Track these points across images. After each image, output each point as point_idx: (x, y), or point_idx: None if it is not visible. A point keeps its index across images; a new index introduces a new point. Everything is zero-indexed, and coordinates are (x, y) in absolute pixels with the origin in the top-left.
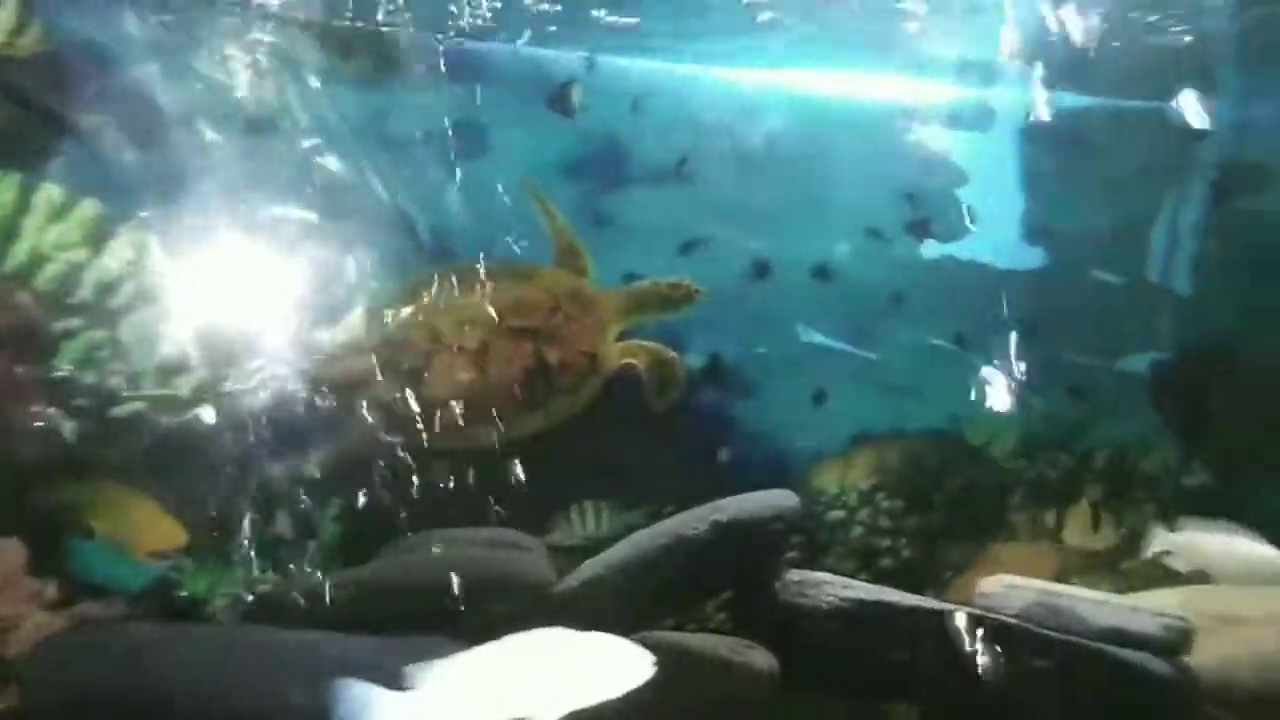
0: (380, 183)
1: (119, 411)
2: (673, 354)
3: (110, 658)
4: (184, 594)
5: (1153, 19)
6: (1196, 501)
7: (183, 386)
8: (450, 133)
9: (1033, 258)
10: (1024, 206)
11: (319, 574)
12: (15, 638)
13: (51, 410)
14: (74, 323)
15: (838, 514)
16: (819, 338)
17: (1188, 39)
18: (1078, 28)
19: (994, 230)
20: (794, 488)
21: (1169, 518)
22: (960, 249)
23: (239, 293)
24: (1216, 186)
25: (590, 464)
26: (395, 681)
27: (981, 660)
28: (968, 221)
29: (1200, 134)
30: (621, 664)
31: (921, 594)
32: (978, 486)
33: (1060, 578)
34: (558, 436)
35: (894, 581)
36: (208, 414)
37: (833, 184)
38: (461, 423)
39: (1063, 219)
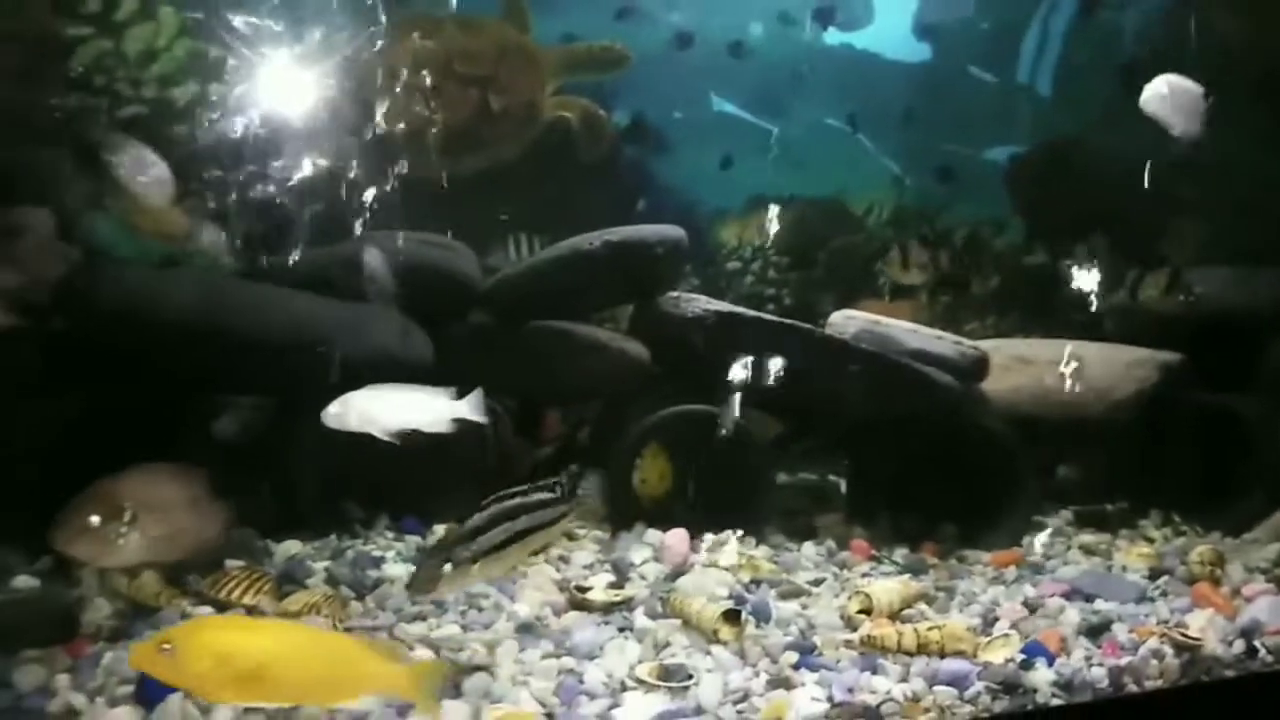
0: None
1: (125, 113)
2: (601, 111)
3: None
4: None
5: None
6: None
7: (180, 97)
8: None
9: (920, 52)
10: (917, 4)
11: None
12: (45, 289)
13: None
14: (84, 29)
15: (734, 264)
16: (729, 108)
17: None
18: None
19: (889, 24)
20: (699, 239)
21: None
22: (858, 39)
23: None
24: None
25: (526, 200)
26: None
27: (810, 366)
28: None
29: None
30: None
31: None
32: (853, 248)
33: None
34: (499, 174)
35: None
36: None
37: None
38: (416, 155)
39: (950, 18)
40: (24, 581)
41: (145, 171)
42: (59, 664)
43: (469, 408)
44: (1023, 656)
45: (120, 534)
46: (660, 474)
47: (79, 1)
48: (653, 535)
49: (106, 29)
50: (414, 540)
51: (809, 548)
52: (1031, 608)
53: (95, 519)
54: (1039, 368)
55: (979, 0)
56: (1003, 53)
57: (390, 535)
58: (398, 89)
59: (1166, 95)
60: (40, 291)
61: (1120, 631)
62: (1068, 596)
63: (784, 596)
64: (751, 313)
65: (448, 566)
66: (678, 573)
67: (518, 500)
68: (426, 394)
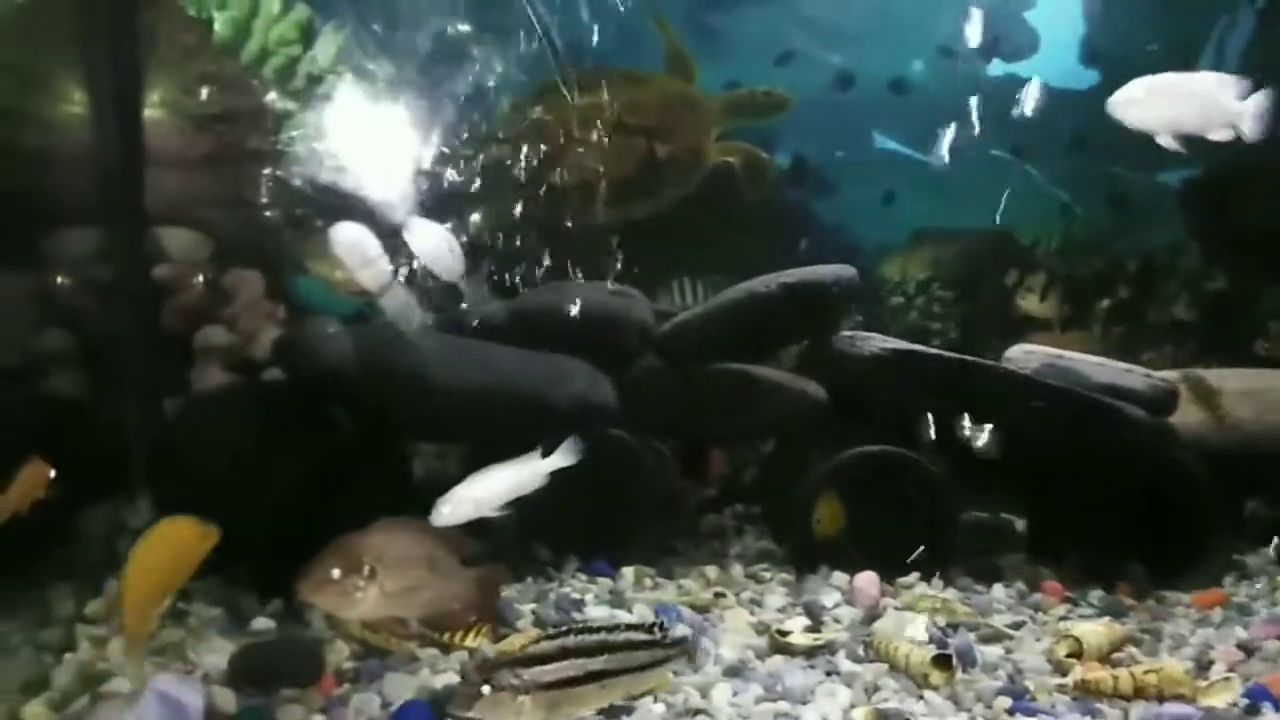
0: None
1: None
2: (764, 154)
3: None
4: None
5: None
6: (1214, 301)
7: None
8: None
9: (1087, 79)
10: (1083, 31)
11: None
12: (257, 345)
13: (280, 175)
14: (290, 105)
15: (898, 299)
16: (891, 144)
17: None
18: None
19: (1055, 51)
20: (862, 275)
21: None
22: (1023, 68)
23: (412, 84)
24: (1261, 14)
25: (691, 244)
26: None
27: (994, 402)
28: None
29: None
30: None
31: None
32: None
33: None
34: (665, 220)
35: None
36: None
37: (911, 6)
38: (587, 204)
39: (1116, 43)
40: (261, 623)
41: (349, 236)
42: (314, 703)
43: (561, 457)
44: (1246, 701)
45: (359, 587)
46: (835, 516)
47: (289, 77)
48: (839, 577)
49: (311, 103)
50: (606, 583)
51: (999, 590)
52: (1248, 650)
53: (336, 572)
54: (1228, 398)
55: (1149, 22)
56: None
57: (583, 578)
58: (572, 143)
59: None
60: (254, 348)
61: None
62: None
63: (984, 640)
64: (931, 350)
65: (486, 688)
66: (872, 616)
67: (600, 636)
68: (519, 464)
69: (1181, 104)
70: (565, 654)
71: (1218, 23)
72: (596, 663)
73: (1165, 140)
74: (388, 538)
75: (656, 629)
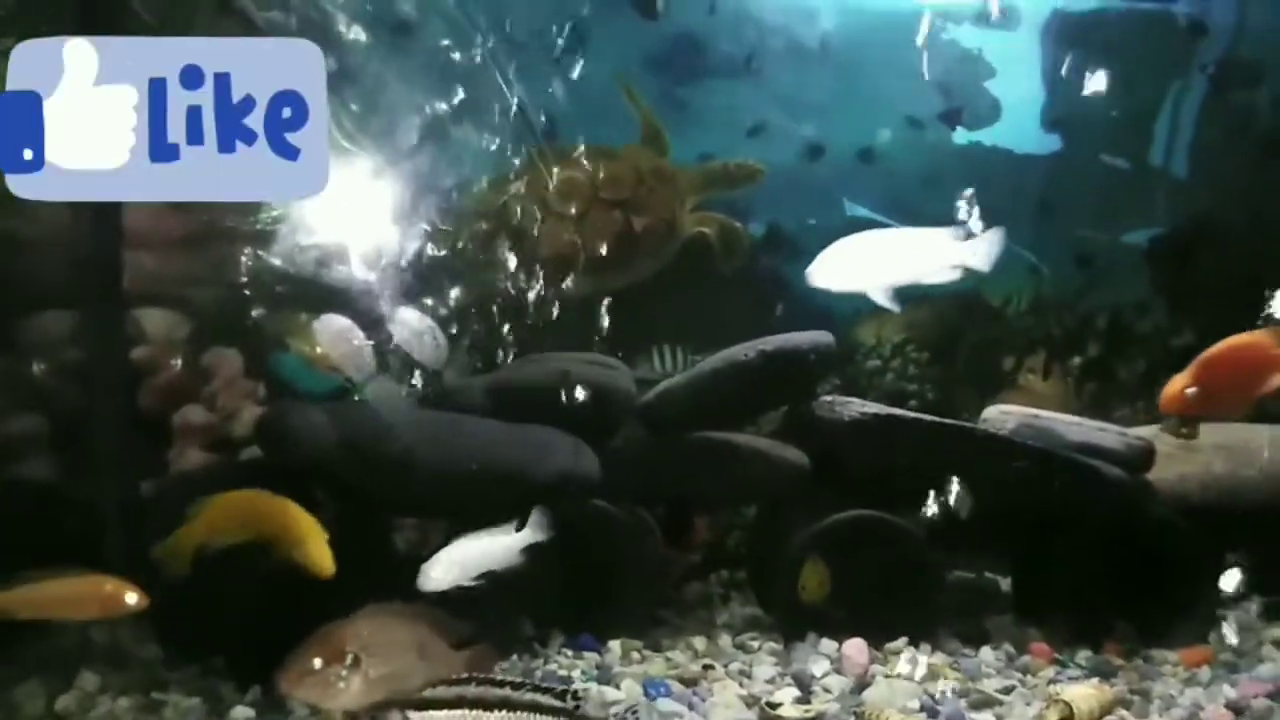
0: (500, 76)
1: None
2: (738, 224)
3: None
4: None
5: None
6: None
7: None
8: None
9: (1050, 144)
10: (1043, 99)
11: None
12: (237, 424)
13: (258, 254)
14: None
15: (874, 363)
16: (862, 211)
17: None
18: None
19: (1017, 118)
20: (837, 340)
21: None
22: (987, 135)
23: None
24: (1214, 81)
25: (668, 314)
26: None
27: (974, 463)
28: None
29: (1201, 33)
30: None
31: None
32: (994, 341)
33: None
34: (642, 291)
35: None
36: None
37: (877, 78)
38: (565, 277)
39: (1078, 110)
40: (241, 712)
41: (333, 326)
42: None
43: (532, 531)
44: None
45: (341, 676)
46: (820, 581)
47: None
48: (827, 644)
49: None
50: (593, 657)
51: (987, 652)
52: (1237, 709)
53: (318, 662)
54: (1204, 454)
55: (1108, 89)
56: (1135, 138)
57: (569, 654)
58: (550, 218)
59: None
60: (233, 426)
61: None
62: (1274, 696)
63: (975, 707)
64: (910, 414)
65: None
66: (861, 684)
67: (503, 692)
68: (495, 537)
69: (891, 262)
70: (461, 703)
71: (1170, 88)
72: (493, 718)
73: (878, 297)
74: (374, 624)
75: (569, 696)
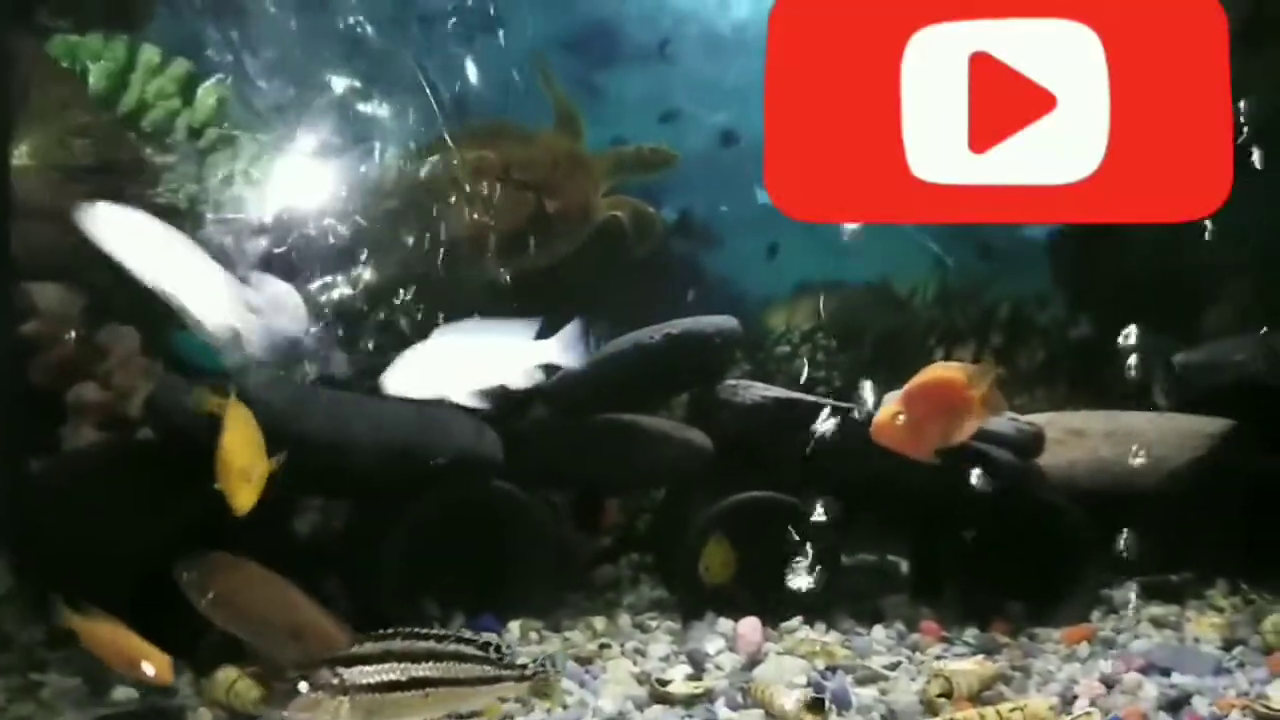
0: (411, 54)
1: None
2: (651, 208)
3: None
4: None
5: None
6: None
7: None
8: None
9: None
10: None
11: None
12: (133, 403)
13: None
14: (170, 159)
15: (783, 349)
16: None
17: None
18: None
19: None
20: (748, 326)
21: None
22: None
23: (297, 137)
24: None
25: (580, 297)
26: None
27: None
28: None
29: None
30: None
31: None
32: (901, 330)
33: None
34: (554, 272)
35: None
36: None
37: None
38: (476, 258)
39: None
40: (123, 693)
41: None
42: None
43: (559, 349)
44: None
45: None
46: (724, 562)
47: (165, 133)
48: (724, 624)
49: (190, 157)
50: (491, 637)
51: (879, 631)
52: (1109, 684)
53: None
54: (1093, 440)
55: None
56: None
57: (470, 634)
58: (460, 198)
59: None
60: (129, 405)
61: (1201, 705)
62: (1144, 671)
63: (861, 682)
64: (810, 398)
65: (304, 685)
66: (753, 662)
67: (428, 644)
68: (504, 335)
69: (471, 368)
70: (389, 657)
71: None
72: (421, 669)
73: (467, 399)
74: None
75: (491, 649)
